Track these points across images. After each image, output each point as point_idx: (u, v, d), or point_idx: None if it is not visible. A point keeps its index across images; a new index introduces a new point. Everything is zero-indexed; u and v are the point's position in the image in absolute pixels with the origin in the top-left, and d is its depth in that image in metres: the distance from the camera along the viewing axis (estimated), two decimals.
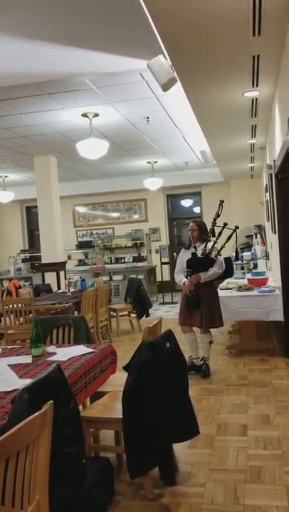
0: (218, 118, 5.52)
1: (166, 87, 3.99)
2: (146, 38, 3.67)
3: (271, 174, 5.72)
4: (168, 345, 2.80)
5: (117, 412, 2.70)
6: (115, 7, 3.39)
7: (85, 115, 5.97)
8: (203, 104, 4.95)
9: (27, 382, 2.27)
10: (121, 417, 2.60)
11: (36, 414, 1.67)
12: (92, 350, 3.12)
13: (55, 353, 3.08)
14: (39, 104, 5.51)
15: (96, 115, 5.99)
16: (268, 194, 6.98)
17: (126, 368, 2.68)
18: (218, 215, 4.83)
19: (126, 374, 2.67)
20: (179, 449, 3.07)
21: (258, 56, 3.75)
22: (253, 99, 4.88)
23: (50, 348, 3.19)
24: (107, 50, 4.07)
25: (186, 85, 4.35)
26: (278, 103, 4.55)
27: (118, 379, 3.16)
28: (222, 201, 4.88)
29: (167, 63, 3.83)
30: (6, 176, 9.95)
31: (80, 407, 2.76)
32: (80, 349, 3.16)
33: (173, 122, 6.69)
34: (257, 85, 4.43)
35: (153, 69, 3.85)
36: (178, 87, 4.26)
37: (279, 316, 5.17)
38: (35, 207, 8.78)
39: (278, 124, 4.67)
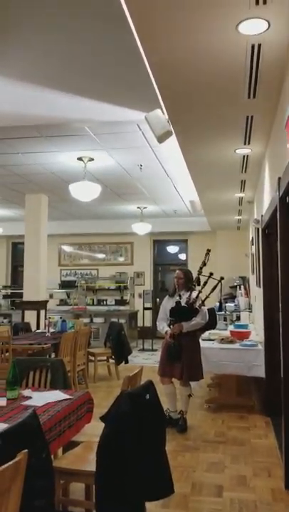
0: (210, 171, 5.67)
1: (161, 139, 4.11)
2: (146, 92, 3.82)
3: (258, 228, 5.82)
4: (147, 396, 2.73)
5: (90, 464, 2.59)
6: (119, 62, 3.54)
7: (80, 159, 6.08)
8: (196, 157, 5.09)
9: (0, 426, 2.18)
10: (94, 469, 2.49)
11: (9, 464, 1.58)
12: (69, 396, 3.03)
13: (30, 397, 2.99)
14: (36, 146, 5.62)
15: (91, 159, 6.11)
16: (253, 247, 7.07)
17: (103, 419, 2.60)
18: (204, 264, 4.86)
19: (102, 424, 2.58)
20: (152, 507, 2.94)
21: (252, 117, 3.90)
22: (244, 156, 5.03)
23: (26, 392, 3.09)
24: (108, 101, 4.22)
25: (180, 139, 4.49)
26: (268, 161, 4.70)
27: (93, 428, 3.05)
28: (209, 250, 4.92)
29: (164, 117, 3.96)
30: None
31: (52, 457, 2.65)
32: (57, 395, 3.07)
33: (165, 171, 6.84)
34: (249, 143, 4.59)
35: (150, 121, 3.97)
36: (172, 140, 4.38)
37: (261, 372, 5.07)
38: (22, 243, 8.75)
39: (267, 180, 4.81)
